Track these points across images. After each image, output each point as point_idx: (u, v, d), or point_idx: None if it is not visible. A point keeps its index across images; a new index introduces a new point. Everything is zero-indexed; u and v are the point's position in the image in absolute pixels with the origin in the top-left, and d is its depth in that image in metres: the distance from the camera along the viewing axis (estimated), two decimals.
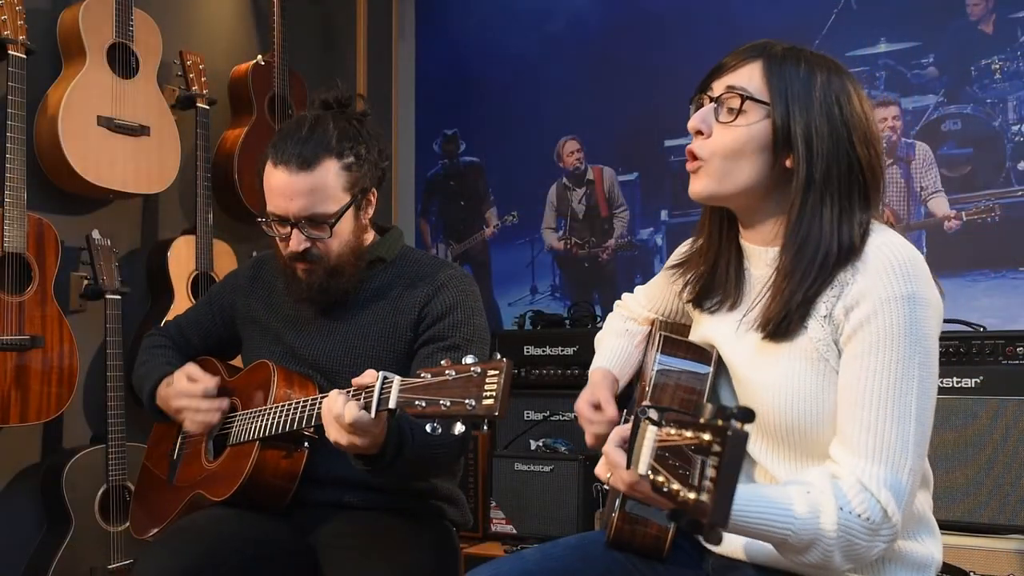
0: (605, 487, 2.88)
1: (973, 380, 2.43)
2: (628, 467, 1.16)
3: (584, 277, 3.74)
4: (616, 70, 3.67)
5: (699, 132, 1.37)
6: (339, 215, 1.79)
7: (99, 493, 2.63)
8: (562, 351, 3.20)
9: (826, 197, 1.32)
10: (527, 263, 3.86)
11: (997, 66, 3.04)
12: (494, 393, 1.33)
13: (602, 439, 1.45)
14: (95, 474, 2.63)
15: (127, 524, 2.46)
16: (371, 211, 1.89)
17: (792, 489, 1.24)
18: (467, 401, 1.35)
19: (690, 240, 1.58)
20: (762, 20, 3.38)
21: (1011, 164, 3.01)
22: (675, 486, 1.01)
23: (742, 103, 1.34)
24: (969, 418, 2.41)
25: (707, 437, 0.98)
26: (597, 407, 1.53)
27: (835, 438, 1.30)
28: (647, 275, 3.60)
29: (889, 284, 1.26)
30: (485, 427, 1.37)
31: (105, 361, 2.66)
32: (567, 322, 3.44)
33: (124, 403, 2.64)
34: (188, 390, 1.87)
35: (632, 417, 1.19)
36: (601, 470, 1.32)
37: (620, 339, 1.70)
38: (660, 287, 1.66)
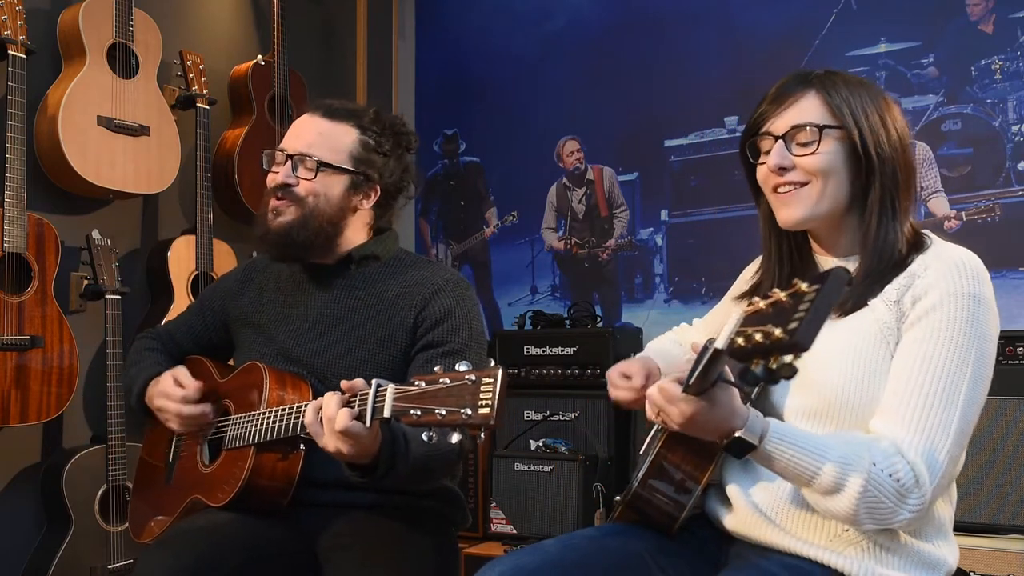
0: (604, 489, 2.90)
1: None
2: (684, 391, 1.23)
3: (584, 277, 3.74)
4: (616, 70, 3.67)
5: (783, 168, 1.43)
6: (330, 166, 1.83)
7: (99, 493, 2.63)
8: (562, 351, 3.20)
9: (894, 203, 1.41)
10: (527, 263, 3.86)
11: (997, 66, 3.04)
12: (490, 402, 1.32)
13: (623, 402, 1.56)
14: (95, 474, 2.63)
15: (127, 524, 2.46)
16: (366, 204, 1.89)
17: (831, 436, 1.30)
18: (463, 410, 1.33)
19: (754, 266, 1.64)
20: (762, 20, 3.38)
21: (1011, 164, 3.01)
22: (759, 335, 1.04)
23: (820, 132, 1.40)
24: None
25: (804, 286, 1.03)
26: (626, 377, 1.57)
27: (877, 414, 1.33)
28: (647, 275, 3.60)
29: (958, 281, 1.34)
30: (482, 436, 1.36)
31: (105, 361, 2.66)
32: (567, 322, 3.44)
33: (124, 403, 2.64)
34: (170, 393, 1.86)
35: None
36: (651, 411, 1.36)
37: (671, 346, 1.76)
38: (720, 313, 1.71)
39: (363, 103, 3.71)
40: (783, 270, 1.52)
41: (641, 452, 1.62)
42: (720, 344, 1.11)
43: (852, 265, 1.44)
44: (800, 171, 1.42)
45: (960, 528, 2.34)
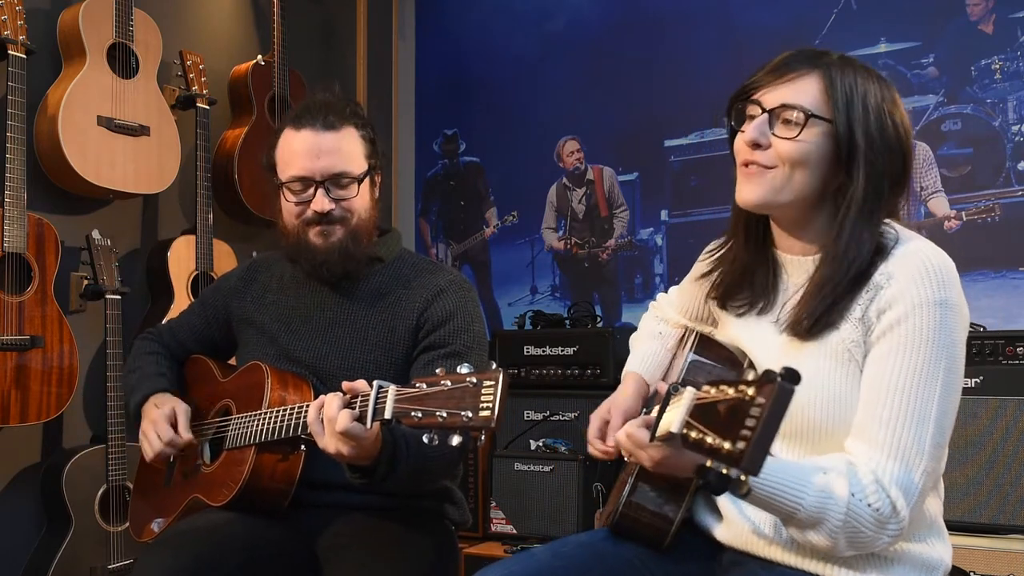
0: (604, 489, 2.90)
1: (973, 380, 2.43)
2: (651, 440, 1.21)
3: (584, 277, 3.74)
4: (616, 70, 3.67)
5: (757, 144, 1.35)
6: (364, 176, 1.83)
7: (99, 493, 2.63)
8: (562, 351, 3.20)
9: (873, 209, 1.33)
10: (527, 263, 3.86)
11: (997, 66, 3.04)
12: (490, 404, 1.31)
13: (597, 456, 1.54)
14: (95, 474, 2.63)
15: (127, 524, 2.46)
16: (377, 193, 1.90)
17: (809, 467, 1.27)
18: (464, 413, 1.33)
19: (717, 242, 1.57)
20: (762, 20, 3.38)
21: (1011, 164, 3.01)
22: (709, 439, 1.04)
23: (806, 120, 1.32)
24: (969, 418, 2.41)
25: (751, 392, 1.01)
26: (606, 422, 1.55)
27: (852, 432, 1.31)
28: (647, 275, 3.60)
29: (922, 289, 1.28)
30: (482, 438, 1.35)
31: (105, 361, 2.66)
32: (567, 322, 3.44)
33: (124, 403, 2.64)
34: (161, 433, 1.84)
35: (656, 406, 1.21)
36: (624, 453, 1.35)
37: (653, 342, 1.71)
38: (689, 292, 1.66)
39: (362, 103, 3.72)
40: (745, 255, 1.47)
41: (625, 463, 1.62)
42: (675, 429, 1.10)
43: (812, 262, 1.39)
44: (773, 154, 1.34)
45: (960, 528, 2.36)
